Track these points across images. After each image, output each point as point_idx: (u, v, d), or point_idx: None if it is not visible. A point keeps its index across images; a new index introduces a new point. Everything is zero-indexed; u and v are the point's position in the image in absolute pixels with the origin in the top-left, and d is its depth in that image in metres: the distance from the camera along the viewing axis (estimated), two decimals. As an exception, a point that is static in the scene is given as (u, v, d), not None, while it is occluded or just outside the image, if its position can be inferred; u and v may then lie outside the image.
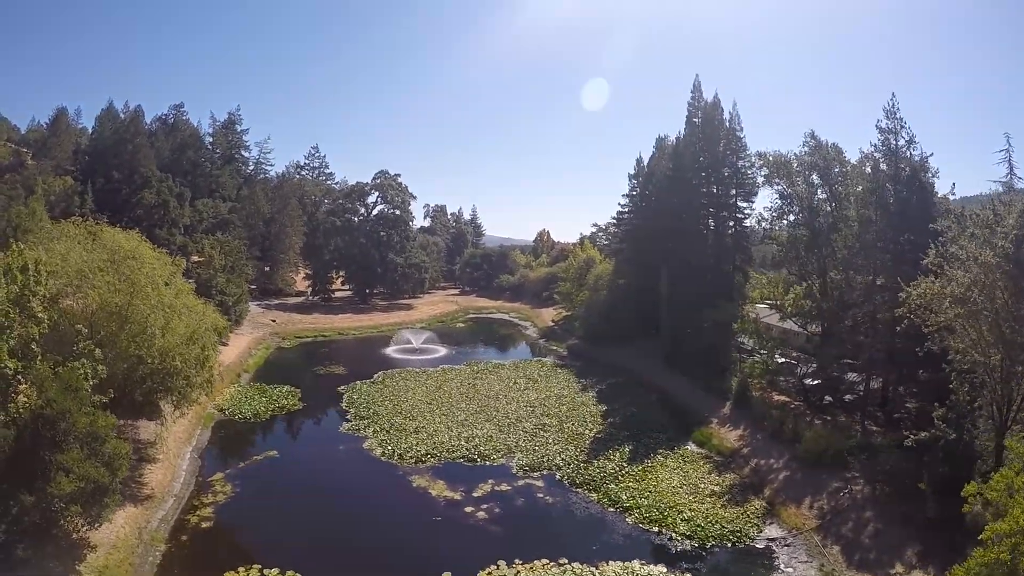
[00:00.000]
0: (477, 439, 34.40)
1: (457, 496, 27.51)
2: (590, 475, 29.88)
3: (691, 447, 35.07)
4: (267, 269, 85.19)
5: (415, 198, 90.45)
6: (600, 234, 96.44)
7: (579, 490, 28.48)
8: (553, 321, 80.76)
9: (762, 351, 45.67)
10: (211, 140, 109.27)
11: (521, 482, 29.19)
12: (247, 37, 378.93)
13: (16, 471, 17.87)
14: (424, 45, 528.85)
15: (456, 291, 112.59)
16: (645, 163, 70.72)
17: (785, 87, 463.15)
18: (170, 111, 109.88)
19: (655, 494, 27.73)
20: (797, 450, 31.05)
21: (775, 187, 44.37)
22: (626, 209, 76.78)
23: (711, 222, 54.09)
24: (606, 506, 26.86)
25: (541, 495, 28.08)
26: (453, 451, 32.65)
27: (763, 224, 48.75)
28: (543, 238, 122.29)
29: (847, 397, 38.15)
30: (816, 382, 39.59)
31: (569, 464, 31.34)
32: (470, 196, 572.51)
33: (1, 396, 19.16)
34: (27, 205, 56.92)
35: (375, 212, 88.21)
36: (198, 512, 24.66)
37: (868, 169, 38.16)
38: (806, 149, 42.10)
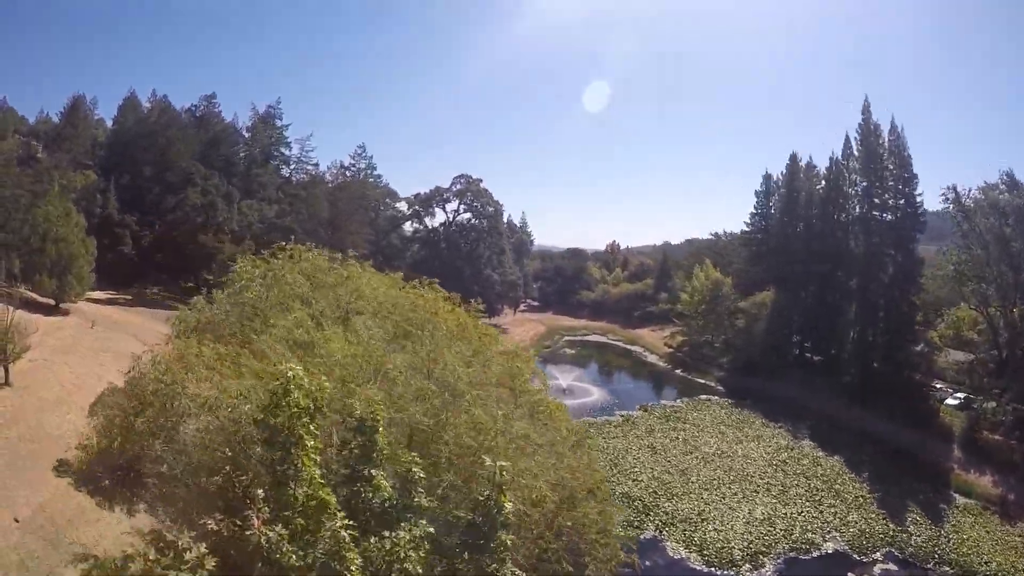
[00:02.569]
0: (776, 519, 28.61)
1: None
2: (924, 545, 27.10)
3: (958, 498, 33.08)
4: (331, 284, 71.96)
5: (502, 206, 77.96)
6: (705, 249, 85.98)
7: (930, 565, 25.62)
8: (668, 346, 71.82)
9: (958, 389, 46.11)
10: (248, 135, 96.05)
11: (878, 568, 25.16)
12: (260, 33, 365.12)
13: None
14: (426, 47, 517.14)
15: (523, 307, 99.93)
16: (774, 180, 68.09)
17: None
18: (200, 102, 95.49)
19: (991, 555, 26.25)
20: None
21: (971, 225, 44.88)
22: (751, 228, 71.10)
23: (873, 250, 51.47)
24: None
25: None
26: (774, 542, 26.43)
27: (947, 258, 48.89)
28: (614, 251, 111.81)
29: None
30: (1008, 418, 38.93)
31: (893, 536, 27.77)
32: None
33: None
34: (58, 205, 43.22)
35: (456, 221, 75.41)
36: None
37: None
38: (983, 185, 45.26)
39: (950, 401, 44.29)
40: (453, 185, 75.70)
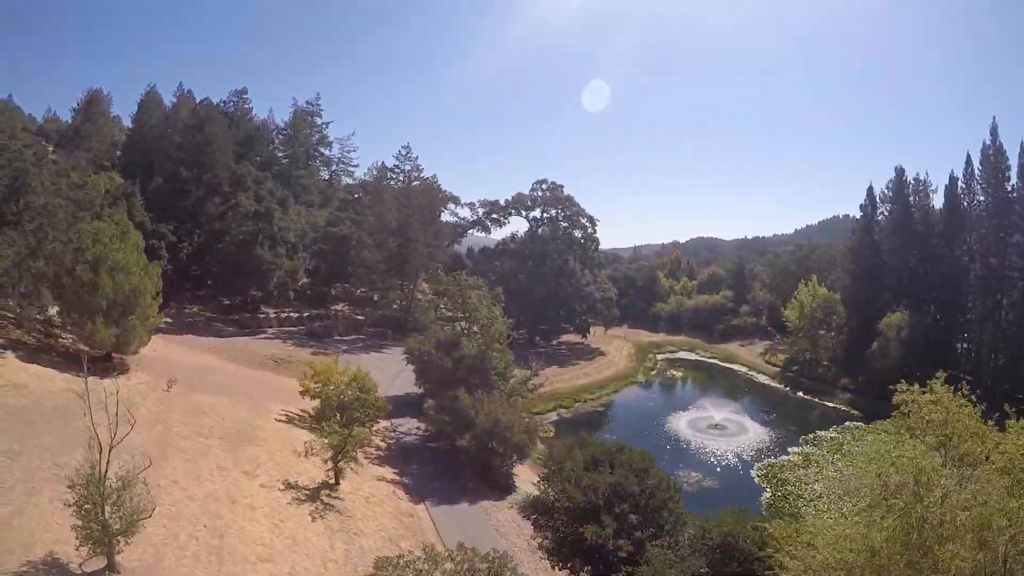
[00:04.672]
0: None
1: None
2: None
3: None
4: (400, 303, 62.67)
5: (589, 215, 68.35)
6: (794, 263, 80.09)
7: None
8: (769, 363, 67.07)
9: None
10: (287, 133, 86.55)
11: None
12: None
13: None
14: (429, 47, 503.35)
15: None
16: (877, 194, 64.27)
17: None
18: (230, 98, 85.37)
19: None
20: None
21: None
22: (858, 243, 65.81)
23: (997, 272, 51.32)
24: None
25: None
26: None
27: None
28: (678, 262, 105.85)
29: None
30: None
31: None
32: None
33: None
34: (113, 220, 33.07)
35: (540, 231, 66.05)
36: None
37: None
38: None
39: None
40: (534, 191, 66.20)
